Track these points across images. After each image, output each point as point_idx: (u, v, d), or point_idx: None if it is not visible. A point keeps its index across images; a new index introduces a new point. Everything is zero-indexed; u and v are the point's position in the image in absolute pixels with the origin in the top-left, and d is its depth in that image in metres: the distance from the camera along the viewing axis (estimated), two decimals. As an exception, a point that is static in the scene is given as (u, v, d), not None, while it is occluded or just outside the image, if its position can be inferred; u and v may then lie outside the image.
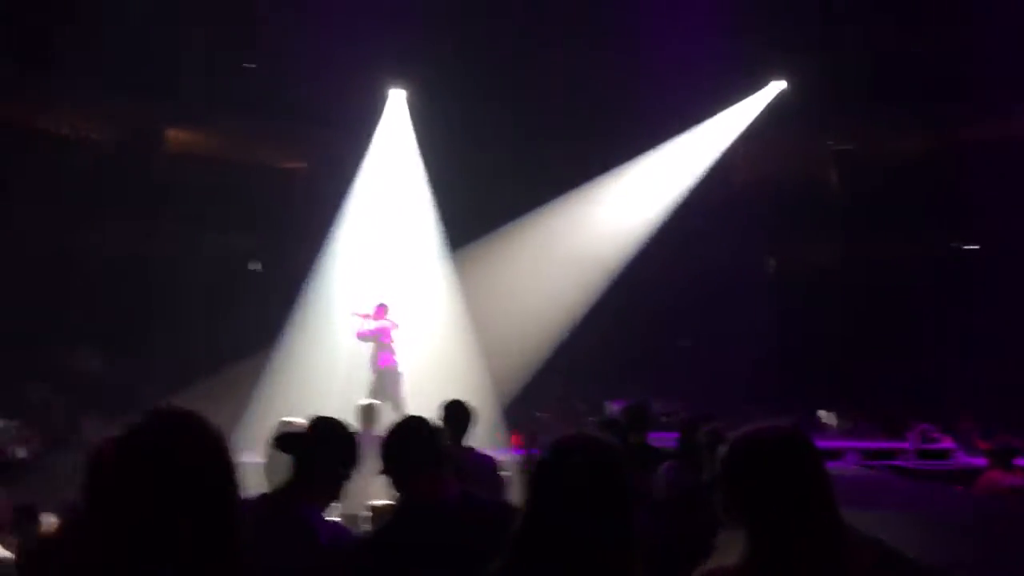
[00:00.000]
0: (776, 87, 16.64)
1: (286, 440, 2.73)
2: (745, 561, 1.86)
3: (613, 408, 13.91)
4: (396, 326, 10.69)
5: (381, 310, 10.69)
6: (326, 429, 2.75)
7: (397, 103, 16.48)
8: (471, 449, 5.18)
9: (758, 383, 14.24)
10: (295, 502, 2.58)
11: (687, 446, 4.52)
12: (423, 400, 9.77)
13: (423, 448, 2.66)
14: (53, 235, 15.41)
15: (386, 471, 2.62)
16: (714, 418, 4.57)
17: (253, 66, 17.23)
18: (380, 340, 10.45)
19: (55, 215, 15.34)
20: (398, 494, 2.61)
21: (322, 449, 2.67)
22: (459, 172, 16.08)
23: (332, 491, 2.66)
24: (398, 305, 11.47)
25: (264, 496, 2.69)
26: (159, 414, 1.57)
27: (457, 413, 5.22)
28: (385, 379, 10.29)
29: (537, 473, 1.96)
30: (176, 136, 17.84)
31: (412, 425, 2.78)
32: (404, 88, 16.35)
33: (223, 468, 1.55)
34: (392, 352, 10.52)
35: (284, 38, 15.63)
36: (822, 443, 9.42)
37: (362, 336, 10.40)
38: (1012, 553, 4.16)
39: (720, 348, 15.99)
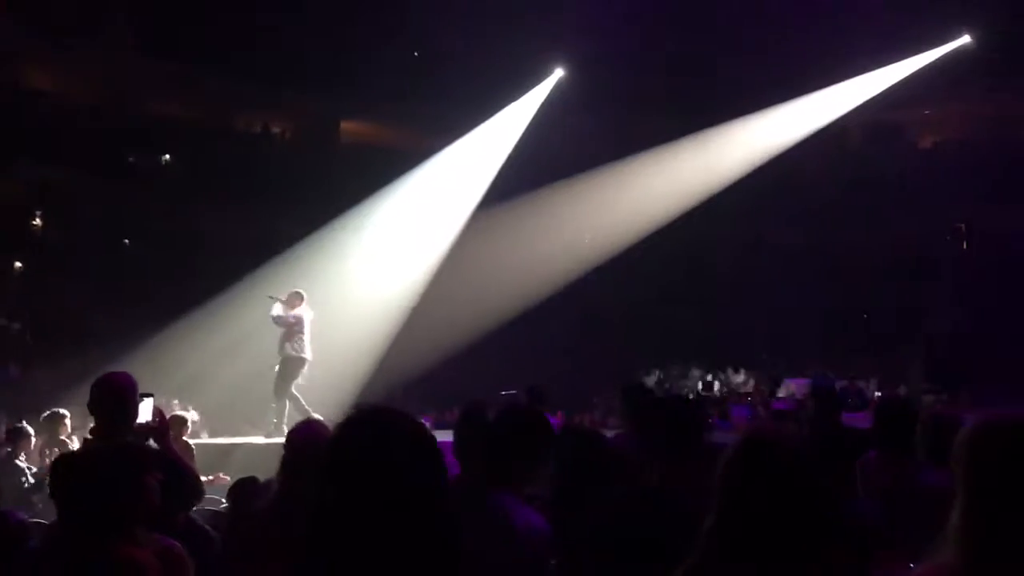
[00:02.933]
0: (960, 41, 15.41)
1: (477, 423, 2.80)
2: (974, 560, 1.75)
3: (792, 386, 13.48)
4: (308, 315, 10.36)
5: (296, 299, 10.29)
6: (520, 416, 2.79)
7: (551, 81, 16.57)
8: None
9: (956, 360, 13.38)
10: (488, 488, 2.62)
11: (893, 431, 3.94)
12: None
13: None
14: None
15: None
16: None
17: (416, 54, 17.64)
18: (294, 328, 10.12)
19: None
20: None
21: (519, 436, 2.70)
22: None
23: (527, 477, 2.69)
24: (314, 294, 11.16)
25: (456, 481, 2.77)
26: (369, 411, 1.63)
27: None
28: (290, 366, 10.02)
29: (731, 470, 1.91)
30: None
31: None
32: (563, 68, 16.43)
33: (433, 462, 1.60)
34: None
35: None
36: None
37: (280, 321, 10.09)
38: None
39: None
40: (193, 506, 3.68)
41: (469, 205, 16.20)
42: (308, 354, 9.74)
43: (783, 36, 16.15)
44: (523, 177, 16.02)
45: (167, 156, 17.64)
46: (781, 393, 13.77)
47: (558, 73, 16.68)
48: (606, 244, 16.07)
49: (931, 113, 17.04)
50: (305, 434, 3.09)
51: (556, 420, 6.56)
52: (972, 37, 15.44)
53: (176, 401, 10.34)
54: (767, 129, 16.23)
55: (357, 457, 1.55)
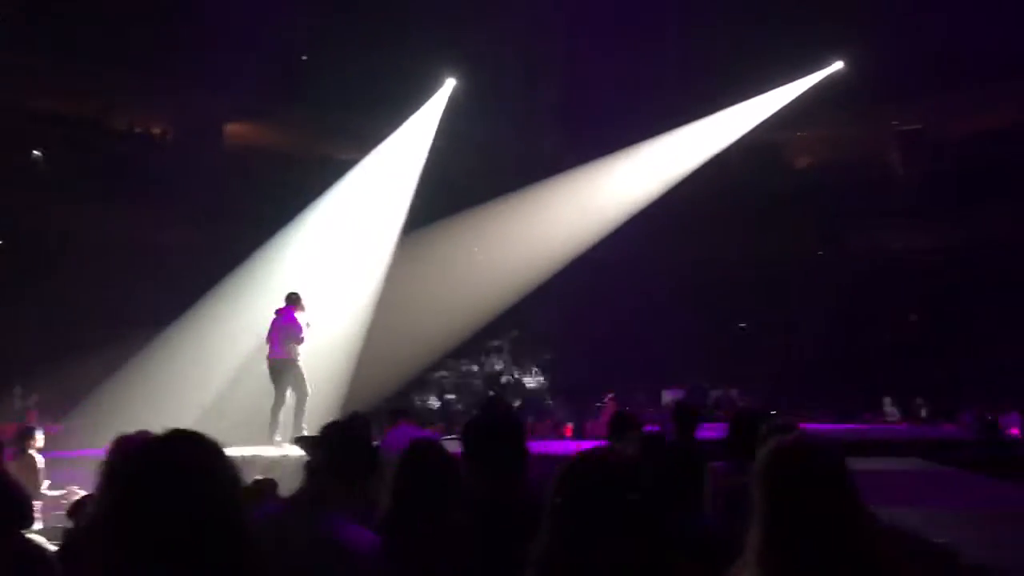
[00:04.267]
0: (833, 67, 16.19)
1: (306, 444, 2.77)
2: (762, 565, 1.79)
3: (668, 397, 13.86)
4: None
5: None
6: (341, 434, 2.76)
7: (445, 91, 16.57)
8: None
9: (818, 374, 14.00)
10: (316, 508, 2.59)
11: (741, 442, 4.12)
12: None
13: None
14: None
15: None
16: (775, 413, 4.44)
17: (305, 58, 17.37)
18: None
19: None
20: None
21: (339, 456, 2.68)
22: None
23: (353, 496, 2.66)
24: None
25: (286, 505, 2.71)
26: (176, 434, 1.64)
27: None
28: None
29: (555, 488, 1.90)
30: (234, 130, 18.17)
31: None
32: (455, 77, 16.44)
33: (229, 486, 1.60)
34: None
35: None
36: (879, 431, 9.21)
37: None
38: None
39: (775, 337, 15.77)
40: (22, 529, 3.48)
41: (392, 229, 15.96)
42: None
43: (672, 63, 16.64)
44: (437, 195, 16.02)
45: (37, 152, 16.79)
46: (666, 400, 14.17)
47: (451, 83, 16.64)
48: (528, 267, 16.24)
49: (805, 135, 17.80)
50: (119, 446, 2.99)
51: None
52: (845, 63, 16.26)
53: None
54: (658, 156, 16.70)
55: (127, 474, 1.56)
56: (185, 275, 14.18)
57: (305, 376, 9.58)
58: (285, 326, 9.64)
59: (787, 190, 17.72)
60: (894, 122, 18.57)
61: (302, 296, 9.89)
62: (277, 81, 16.72)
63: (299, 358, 9.63)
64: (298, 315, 9.67)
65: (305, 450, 2.85)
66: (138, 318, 13.68)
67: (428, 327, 14.76)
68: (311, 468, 2.73)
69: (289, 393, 9.48)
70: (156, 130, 18.23)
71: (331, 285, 13.58)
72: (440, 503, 2.61)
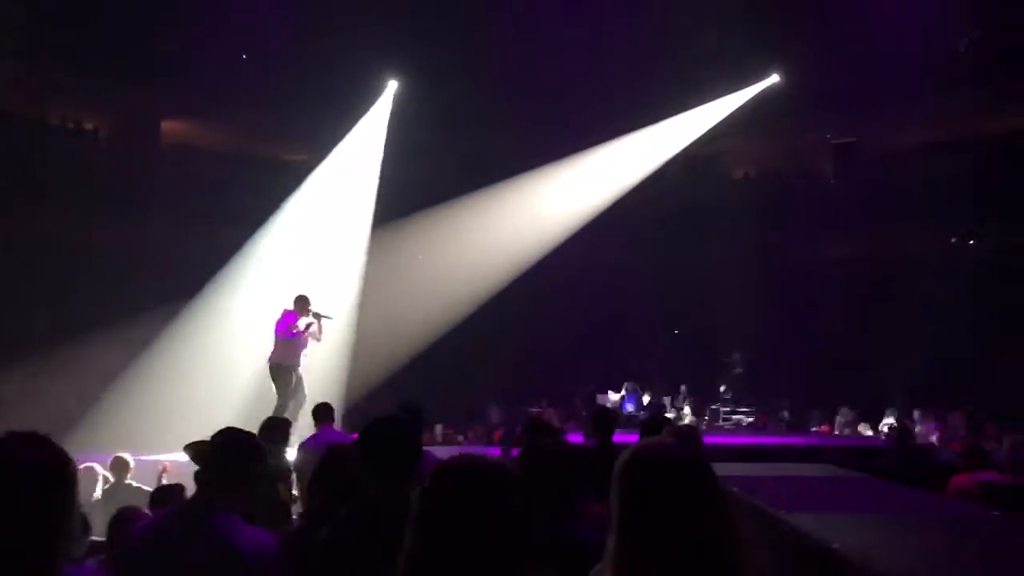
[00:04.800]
0: (769, 80, 16.58)
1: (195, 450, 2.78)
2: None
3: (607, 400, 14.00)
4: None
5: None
6: (232, 438, 2.77)
7: (388, 93, 16.53)
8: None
9: (749, 381, 14.28)
10: (209, 511, 2.59)
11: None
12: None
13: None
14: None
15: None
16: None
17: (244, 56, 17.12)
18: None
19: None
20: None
21: (227, 457, 2.69)
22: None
23: (247, 497, 2.67)
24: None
25: (181, 508, 2.71)
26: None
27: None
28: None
29: (422, 496, 1.91)
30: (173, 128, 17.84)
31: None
32: (398, 79, 16.40)
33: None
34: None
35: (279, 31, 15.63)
36: (803, 441, 9.47)
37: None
38: (971, 556, 4.14)
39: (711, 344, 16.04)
40: None
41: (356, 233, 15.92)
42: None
43: (615, 71, 16.79)
44: (391, 200, 16.00)
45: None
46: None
47: (393, 85, 16.60)
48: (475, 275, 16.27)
49: (742, 146, 18.15)
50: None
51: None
52: (780, 76, 16.66)
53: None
54: (600, 166, 16.97)
55: None
56: (124, 275, 14.00)
57: (303, 381, 9.68)
58: (276, 330, 9.74)
59: (724, 200, 18.03)
60: (828, 135, 19.05)
61: (305, 300, 9.93)
62: (218, 80, 16.49)
63: (295, 362, 9.70)
64: (299, 318, 9.74)
65: (191, 457, 2.86)
66: (75, 320, 13.45)
67: (370, 336, 14.78)
68: (199, 476, 2.73)
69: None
70: (89, 126, 17.83)
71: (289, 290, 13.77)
72: (343, 506, 2.63)
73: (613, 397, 14.31)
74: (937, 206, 15.84)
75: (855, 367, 15.23)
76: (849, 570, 3.60)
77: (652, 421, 4.51)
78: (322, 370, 11.51)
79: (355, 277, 15.42)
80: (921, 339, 15.03)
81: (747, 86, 16.71)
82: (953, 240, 17.05)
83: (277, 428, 6.22)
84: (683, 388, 15.15)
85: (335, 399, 9.77)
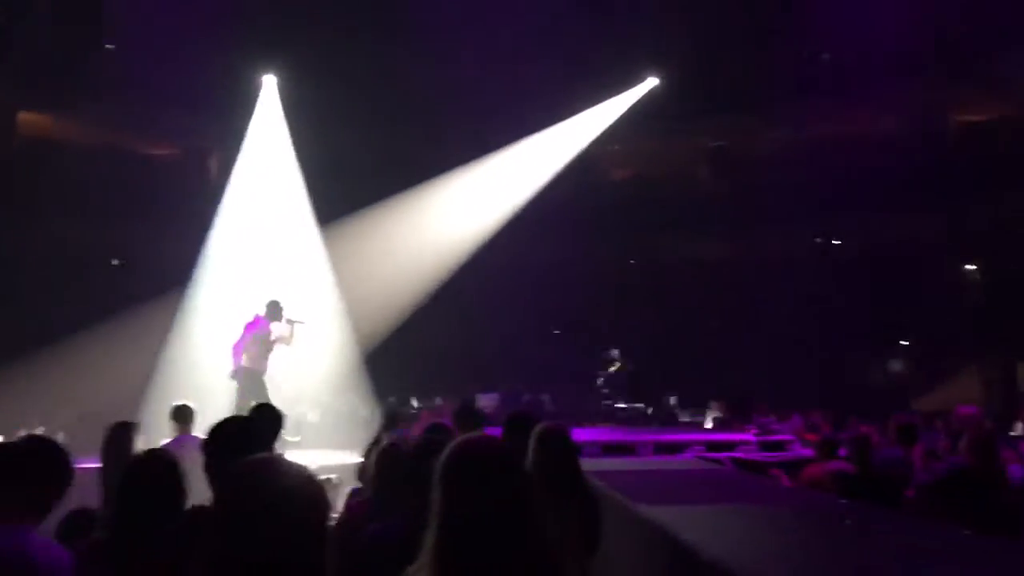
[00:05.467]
0: (648, 83, 16.98)
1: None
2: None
3: (484, 400, 14.02)
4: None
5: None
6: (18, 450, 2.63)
7: (269, 90, 16.13)
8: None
9: (627, 377, 14.55)
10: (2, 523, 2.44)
11: (513, 444, 4.37)
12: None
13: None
14: None
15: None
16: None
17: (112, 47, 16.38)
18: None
19: None
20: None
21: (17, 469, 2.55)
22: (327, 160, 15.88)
23: (36, 509, 2.52)
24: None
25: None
26: None
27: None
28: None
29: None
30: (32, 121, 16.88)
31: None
32: (275, 75, 16.02)
33: None
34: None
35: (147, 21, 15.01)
36: (667, 436, 9.75)
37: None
38: (819, 544, 4.29)
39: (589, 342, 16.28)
40: None
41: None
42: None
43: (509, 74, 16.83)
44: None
45: None
46: (481, 403, 14.28)
47: (272, 80, 16.20)
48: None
49: (622, 148, 18.51)
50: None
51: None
52: (660, 79, 17.10)
53: None
54: (490, 176, 17.12)
55: None
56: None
57: (266, 386, 9.59)
58: (255, 334, 9.76)
59: (604, 201, 18.36)
60: (703, 138, 19.64)
61: (277, 305, 9.96)
62: (80, 71, 15.73)
63: (262, 367, 9.69)
64: (270, 324, 9.81)
65: None
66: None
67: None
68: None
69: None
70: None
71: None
72: (154, 517, 2.51)
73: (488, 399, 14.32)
74: (800, 208, 16.57)
75: (727, 364, 15.75)
76: (697, 562, 3.69)
77: (516, 418, 4.50)
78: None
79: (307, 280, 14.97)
80: (786, 336, 15.71)
81: (629, 88, 17.09)
82: (817, 240, 17.91)
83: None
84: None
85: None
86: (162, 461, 2.77)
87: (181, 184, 17.03)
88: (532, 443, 3.85)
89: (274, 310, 9.93)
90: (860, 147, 17.58)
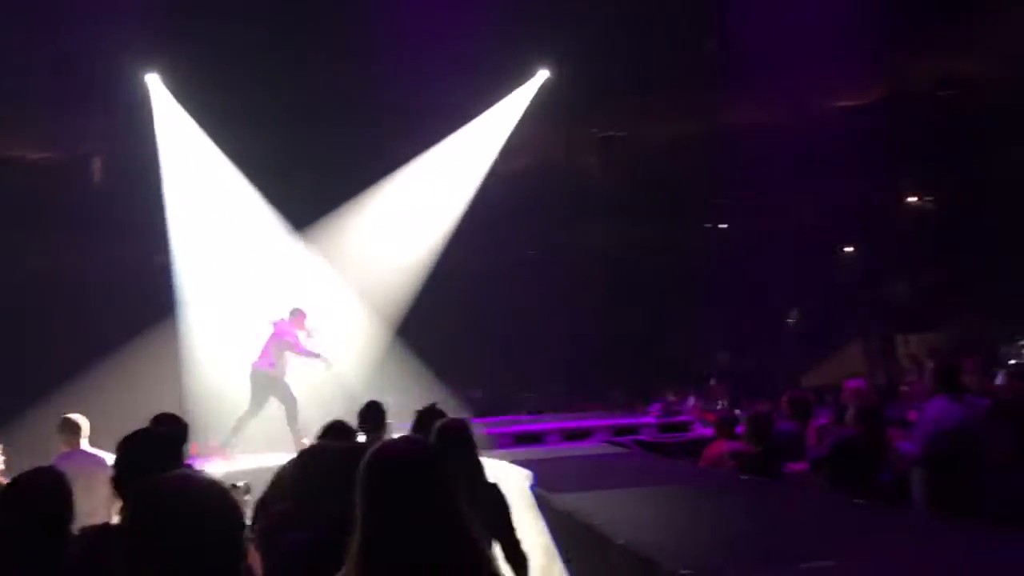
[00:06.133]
0: (540, 76, 17.08)
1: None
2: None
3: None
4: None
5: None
6: None
7: (156, 88, 15.54)
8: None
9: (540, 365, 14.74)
10: None
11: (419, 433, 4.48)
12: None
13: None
14: None
15: None
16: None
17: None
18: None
19: None
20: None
21: None
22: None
23: None
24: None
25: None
26: None
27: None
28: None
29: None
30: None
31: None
32: (159, 72, 15.42)
33: None
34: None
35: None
36: (575, 422, 9.95)
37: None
38: (725, 521, 4.48)
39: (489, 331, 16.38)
40: None
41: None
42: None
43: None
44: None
45: None
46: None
47: (155, 77, 15.58)
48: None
49: (515, 141, 18.59)
50: None
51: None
52: (551, 72, 17.21)
53: None
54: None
55: None
56: None
57: (290, 386, 9.55)
58: (278, 338, 9.67)
59: (499, 192, 18.43)
60: (594, 129, 19.88)
61: (301, 312, 9.96)
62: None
63: (282, 373, 9.58)
64: (298, 331, 9.81)
65: None
66: None
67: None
68: None
69: (277, 405, 9.51)
70: None
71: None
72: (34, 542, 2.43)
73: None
74: (689, 196, 17.08)
75: (630, 350, 16.13)
76: (609, 545, 3.81)
77: (425, 414, 4.57)
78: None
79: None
80: (683, 320, 16.21)
81: (522, 83, 17.16)
82: (707, 226, 18.48)
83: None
84: None
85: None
86: (45, 480, 2.60)
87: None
88: (433, 439, 3.96)
89: (299, 318, 9.88)
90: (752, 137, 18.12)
